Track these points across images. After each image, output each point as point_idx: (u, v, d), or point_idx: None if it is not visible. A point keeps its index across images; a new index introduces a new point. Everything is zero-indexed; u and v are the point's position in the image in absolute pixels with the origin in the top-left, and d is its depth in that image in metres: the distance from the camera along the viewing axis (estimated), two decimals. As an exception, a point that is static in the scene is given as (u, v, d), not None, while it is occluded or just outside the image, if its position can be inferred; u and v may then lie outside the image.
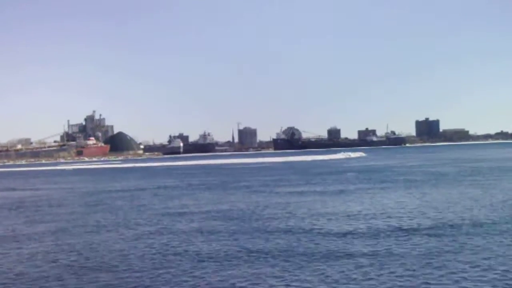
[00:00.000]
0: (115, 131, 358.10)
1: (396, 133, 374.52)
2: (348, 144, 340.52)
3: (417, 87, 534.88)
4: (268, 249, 14.26)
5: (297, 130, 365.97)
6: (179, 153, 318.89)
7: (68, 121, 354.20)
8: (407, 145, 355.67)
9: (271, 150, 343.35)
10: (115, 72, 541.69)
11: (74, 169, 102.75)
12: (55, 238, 17.92)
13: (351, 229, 17.35)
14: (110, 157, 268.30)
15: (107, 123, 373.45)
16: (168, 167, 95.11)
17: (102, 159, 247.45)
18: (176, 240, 16.43)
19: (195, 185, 42.30)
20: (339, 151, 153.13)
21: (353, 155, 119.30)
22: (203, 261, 13.27)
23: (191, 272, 12.20)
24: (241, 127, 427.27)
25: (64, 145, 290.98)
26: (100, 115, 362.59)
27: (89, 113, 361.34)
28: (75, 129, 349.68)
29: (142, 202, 29.90)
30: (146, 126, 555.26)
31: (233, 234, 17.04)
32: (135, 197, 33.27)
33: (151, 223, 20.84)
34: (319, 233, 16.76)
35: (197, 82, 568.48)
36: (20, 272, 13.00)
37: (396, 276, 11.23)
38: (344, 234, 16.36)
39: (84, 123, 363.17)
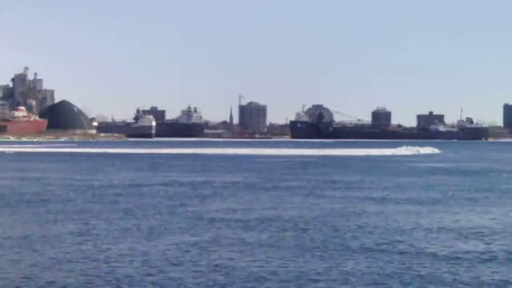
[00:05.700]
0: (56, 99, 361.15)
1: (475, 121, 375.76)
2: (403, 135, 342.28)
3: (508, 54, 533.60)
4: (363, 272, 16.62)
5: (327, 110, 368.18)
6: (150, 135, 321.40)
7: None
8: (490, 139, 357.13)
9: (286, 138, 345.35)
10: (59, 13, 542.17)
11: (15, 152, 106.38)
12: (93, 241, 20.68)
13: (464, 251, 19.46)
14: (47, 136, 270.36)
15: (45, 87, 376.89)
16: (157, 155, 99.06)
17: (35, 139, 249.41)
18: (240, 255, 18.84)
19: (222, 183, 44.74)
20: (393, 144, 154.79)
21: (422, 150, 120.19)
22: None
23: None
24: (244, 102, 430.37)
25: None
26: (35, 74, 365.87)
27: (19, 70, 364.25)
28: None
29: (165, 202, 32.46)
30: (102, 95, 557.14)
31: (307, 250, 19.61)
32: (150, 195, 35.90)
33: (201, 229, 23.52)
34: (425, 254, 19.00)
35: (178, 33, 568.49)
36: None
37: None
38: (455, 258, 18.52)
39: (10, 85, 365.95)
